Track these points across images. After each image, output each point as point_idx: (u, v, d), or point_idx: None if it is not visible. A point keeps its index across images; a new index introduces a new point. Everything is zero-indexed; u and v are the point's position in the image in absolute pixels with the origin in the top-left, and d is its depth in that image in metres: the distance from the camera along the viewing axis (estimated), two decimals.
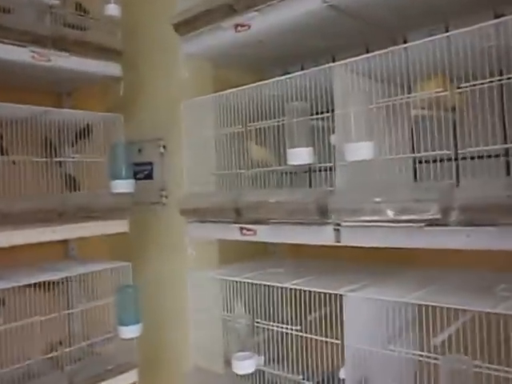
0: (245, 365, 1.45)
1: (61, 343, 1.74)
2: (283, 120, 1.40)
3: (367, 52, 1.57)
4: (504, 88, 1.13)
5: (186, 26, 1.57)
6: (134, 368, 1.79)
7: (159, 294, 1.99)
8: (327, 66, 1.27)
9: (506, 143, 1.26)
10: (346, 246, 1.27)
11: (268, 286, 1.45)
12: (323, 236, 1.27)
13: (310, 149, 1.30)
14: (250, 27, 1.43)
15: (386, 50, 1.19)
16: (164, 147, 2.01)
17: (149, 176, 2.09)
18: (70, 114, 1.75)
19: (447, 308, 1.12)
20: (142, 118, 2.06)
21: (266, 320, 1.49)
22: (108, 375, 1.71)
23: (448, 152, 1.11)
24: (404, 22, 1.47)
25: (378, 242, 1.17)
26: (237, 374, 1.48)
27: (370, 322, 1.28)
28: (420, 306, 1.17)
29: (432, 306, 1.14)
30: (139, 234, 2.03)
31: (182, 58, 1.67)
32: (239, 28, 1.45)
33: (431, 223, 1.06)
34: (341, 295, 1.28)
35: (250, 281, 1.47)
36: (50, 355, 1.61)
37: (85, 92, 2.08)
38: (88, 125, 1.90)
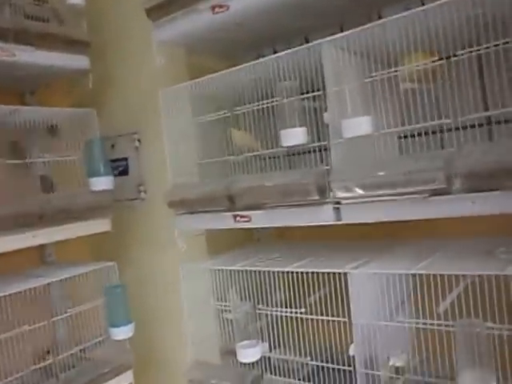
0: (250, 353, 1.43)
1: (51, 351, 1.66)
2: (272, 101, 1.37)
3: (342, 31, 1.57)
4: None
5: (160, 10, 1.51)
6: (129, 369, 1.74)
7: (148, 291, 1.94)
8: (316, 42, 1.24)
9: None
10: (334, 226, 1.27)
11: (270, 271, 1.43)
12: (323, 216, 1.26)
13: (304, 129, 1.29)
14: (228, 8, 1.39)
15: (376, 23, 1.18)
16: (139, 141, 1.94)
17: (124, 172, 2.02)
18: (40, 112, 1.67)
19: (454, 275, 1.13)
20: (113, 112, 1.98)
21: (266, 306, 1.47)
22: (103, 379, 1.65)
23: (448, 121, 1.11)
24: None
25: (381, 217, 1.17)
26: (242, 363, 1.46)
27: (375, 296, 1.29)
28: (426, 275, 1.18)
29: (438, 275, 1.16)
30: (119, 232, 1.95)
31: (156, 45, 1.60)
32: (217, 9, 1.41)
33: (436, 193, 1.07)
34: (345, 273, 1.28)
35: (250, 268, 1.45)
36: (42, 364, 1.54)
37: (49, 89, 1.98)
38: (56, 123, 1.81)
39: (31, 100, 1.96)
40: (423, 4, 1.49)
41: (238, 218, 1.44)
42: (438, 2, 1.09)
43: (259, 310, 1.47)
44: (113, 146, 2.02)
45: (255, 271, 1.46)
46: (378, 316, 1.27)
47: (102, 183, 1.68)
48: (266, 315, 1.47)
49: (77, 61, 1.73)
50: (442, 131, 1.40)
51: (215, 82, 1.51)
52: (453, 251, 1.29)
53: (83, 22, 1.74)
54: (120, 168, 2.02)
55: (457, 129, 1.35)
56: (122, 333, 1.68)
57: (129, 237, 2.00)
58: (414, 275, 1.22)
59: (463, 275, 1.14)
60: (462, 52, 1.10)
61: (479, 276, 1.13)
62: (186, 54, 1.81)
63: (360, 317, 1.27)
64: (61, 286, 1.68)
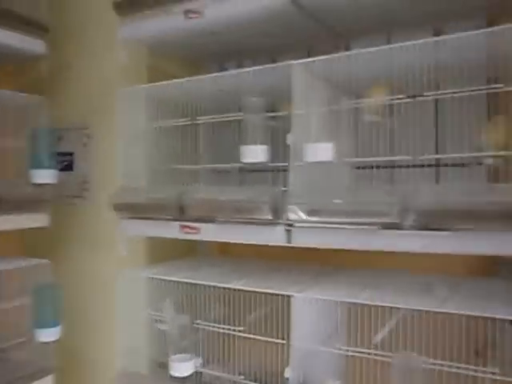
0: (183, 367, 1.40)
1: None
2: (235, 116, 1.36)
3: (309, 55, 1.60)
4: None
5: (130, 6, 1.47)
6: (50, 374, 1.64)
7: (82, 293, 1.85)
8: (288, 63, 1.24)
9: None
10: (283, 247, 1.27)
11: (209, 286, 1.40)
12: (274, 237, 1.26)
13: (265, 147, 1.28)
14: (202, 15, 1.37)
15: (346, 53, 1.20)
16: (88, 137, 1.87)
17: (68, 167, 1.93)
18: None
19: (389, 307, 1.16)
20: (63, 103, 1.89)
21: (204, 320, 1.45)
22: (21, 382, 1.55)
23: (408, 158, 1.15)
24: (353, 28, 1.50)
25: (332, 244, 1.18)
26: (172, 377, 1.42)
27: (315, 321, 1.30)
28: (365, 305, 1.20)
29: (372, 306, 1.19)
30: (56, 229, 1.86)
31: (120, 41, 1.55)
32: (191, 15, 1.39)
33: (388, 226, 1.09)
34: (288, 296, 1.28)
35: (189, 281, 1.41)
36: None
37: None
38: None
39: None
40: (389, 41, 1.57)
41: (185, 229, 1.41)
42: (404, 44, 1.13)
43: (196, 324, 1.44)
44: (59, 138, 1.92)
45: (195, 284, 1.43)
46: (316, 341, 1.28)
47: (45, 176, 1.59)
48: (203, 330, 1.45)
49: (32, 44, 1.64)
50: (395, 167, 1.46)
51: (177, 88, 1.48)
52: (396, 284, 1.32)
53: (43, 4, 1.65)
54: (64, 162, 1.93)
55: (410, 166, 1.41)
56: (48, 335, 1.59)
57: (66, 235, 1.91)
58: (354, 303, 1.24)
59: (398, 308, 1.18)
60: (422, 94, 1.14)
61: (413, 310, 1.17)
62: (148, 55, 1.76)
63: (299, 340, 1.27)
64: None
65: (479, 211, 0.96)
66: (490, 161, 1.11)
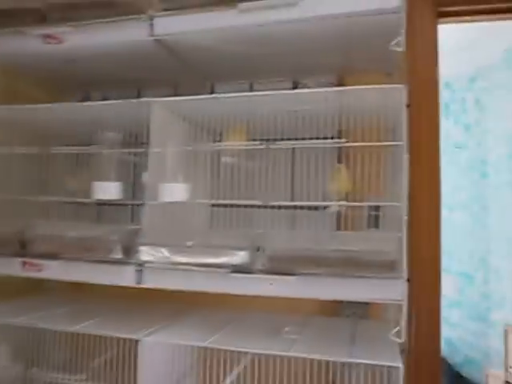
0: None
1: None
2: (90, 150, 1.30)
3: (176, 92, 1.60)
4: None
5: None
6: None
7: None
8: (147, 99, 1.22)
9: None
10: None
11: (50, 330, 1.28)
12: (124, 277, 1.20)
13: (119, 184, 1.23)
14: (61, 41, 1.30)
15: (208, 96, 1.21)
16: None
17: None
18: None
19: (233, 351, 1.15)
20: None
21: (42, 369, 1.31)
22: None
23: (258, 203, 1.18)
24: (217, 72, 1.53)
25: (183, 285, 1.15)
26: None
27: (163, 365, 1.24)
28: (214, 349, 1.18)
29: (220, 350, 1.17)
30: None
31: None
32: (48, 40, 1.31)
33: (238, 269, 1.10)
34: (136, 340, 1.21)
35: (25, 324, 1.28)
36: None
37: None
38: None
39: None
40: (252, 88, 1.63)
41: (27, 266, 1.28)
42: (263, 93, 1.17)
43: (32, 373, 1.30)
44: None
45: (32, 328, 1.30)
46: None
47: None
48: (40, 380, 1.31)
49: None
50: (252, 207, 1.49)
51: (29, 113, 1.38)
52: (246, 326, 1.32)
53: None
54: None
55: (267, 208, 1.44)
56: None
57: None
58: (203, 347, 1.22)
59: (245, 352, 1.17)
60: (276, 141, 1.19)
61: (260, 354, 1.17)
62: (3, 75, 1.62)
63: None
64: None
65: (323, 258, 1.00)
66: (335, 207, 1.18)
